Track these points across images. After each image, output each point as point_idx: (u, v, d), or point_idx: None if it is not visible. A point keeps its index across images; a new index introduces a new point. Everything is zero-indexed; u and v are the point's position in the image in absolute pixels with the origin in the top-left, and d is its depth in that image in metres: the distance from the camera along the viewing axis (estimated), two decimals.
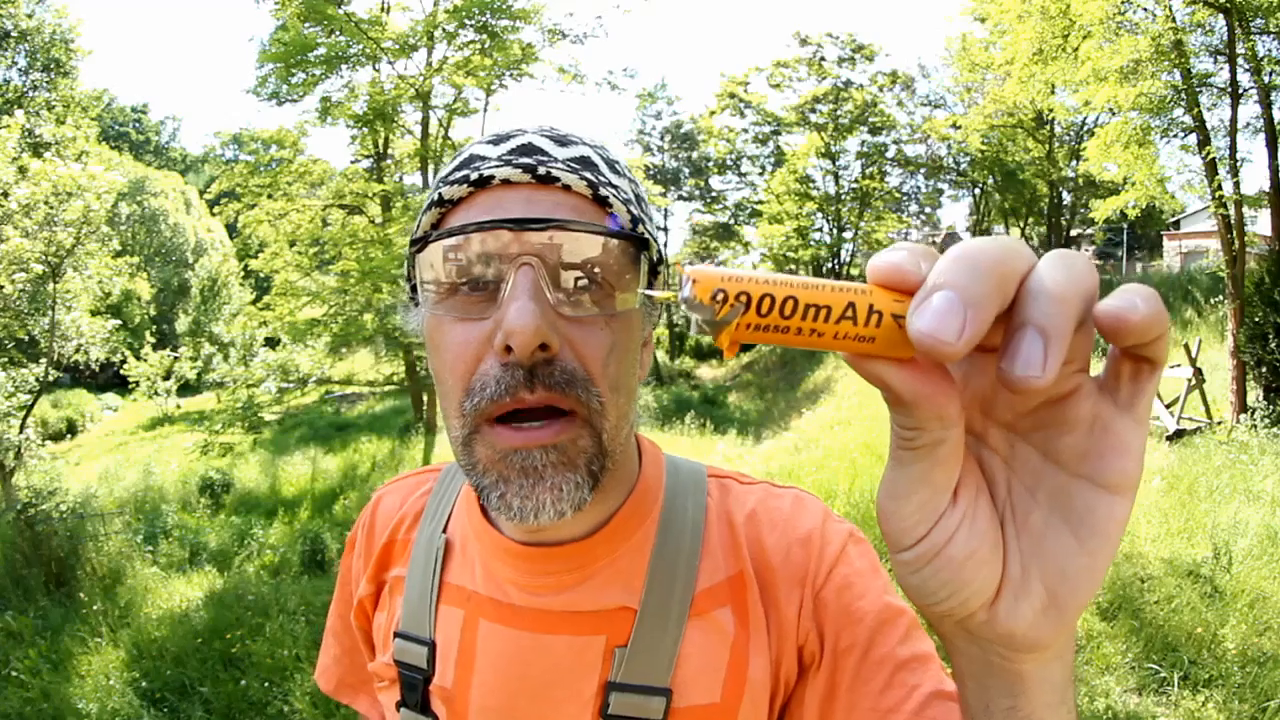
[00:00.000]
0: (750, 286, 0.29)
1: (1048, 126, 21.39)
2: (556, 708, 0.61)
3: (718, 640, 0.60)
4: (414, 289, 0.60)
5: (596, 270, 0.54)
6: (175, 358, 19.76)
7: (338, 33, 9.97)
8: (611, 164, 0.60)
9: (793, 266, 26.49)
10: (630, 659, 0.59)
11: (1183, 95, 8.32)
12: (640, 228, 0.57)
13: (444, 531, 0.69)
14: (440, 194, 0.56)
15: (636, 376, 0.60)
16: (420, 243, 0.56)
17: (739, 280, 0.29)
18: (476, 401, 0.53)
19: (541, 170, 0.55)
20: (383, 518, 0.76)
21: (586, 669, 0.60)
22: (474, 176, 0.55)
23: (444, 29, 9.78)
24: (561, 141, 0.58)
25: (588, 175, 0.56)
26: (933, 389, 0.30)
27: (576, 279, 0.54)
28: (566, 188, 0.55)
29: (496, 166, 0.55)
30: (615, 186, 0.58)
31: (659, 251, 0.60)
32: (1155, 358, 0.29)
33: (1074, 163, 21.29)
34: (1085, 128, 20.06)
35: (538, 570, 0.63)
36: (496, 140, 0.59)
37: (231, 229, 26.71)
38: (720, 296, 0.29)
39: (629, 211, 0.57)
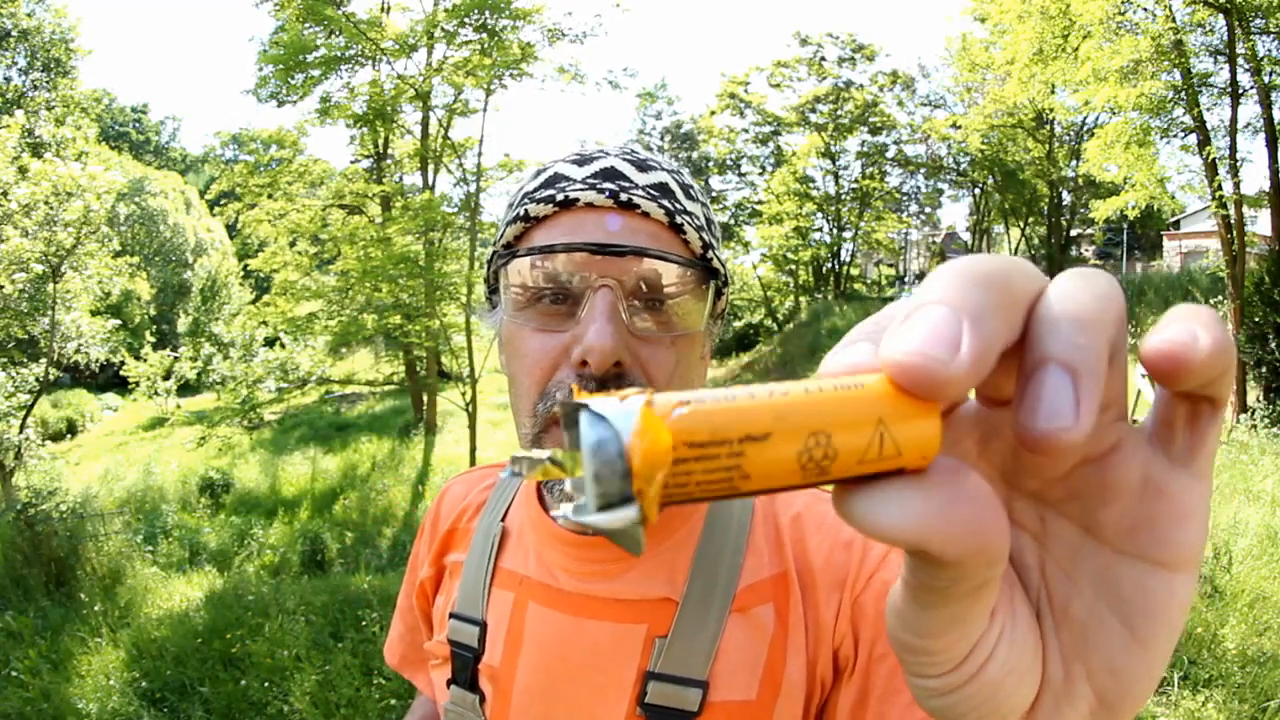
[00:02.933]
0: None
1: (1048, 126, 21.41)
2: (597, 692, 0.63)
3: (757, 637, 0.62)
4: (492, 292, 0.66)
5: (667, 294, 0.59)
6: (175, 358, 19.74)
7: (336, 34, 9.97)
8: (686, 189, 0.64)
9: (792, 266, 26.47)
10: (669, 649, 0.61)
11: (1183, 95, 8.33)
12: (709, 253, 0.62)
13: (502, 521, 0.74)
14: (526, 210, 0.60)
15: (696, 389, 0.65)
16: (506, 254, 0.61)
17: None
18: (549, 405, 0.58)
19: (623, 197, 0.59)
20: (448, 507, 0.82)
21: (626, 656, 0.62)
22: (560, 197, 0.59)
23: (443, 29, 9.77)
24: (641, 166, 0.62)
25: (665, 203, 0.60)
26: (980, 521, 0.21)
27: (648, 301, 0.59)
28: (645, 214, 0.59)
29: (581, 190, 0.59)
30: (689, 213, 0.62)
31: (725, 276, 0.65)
32: (1218, 397, 0.22)
33: (1074, 163, 21.30)
34: (1085, 128, 20.07)
35: (586, 557, 0.66)
36: (580, 161, 0.62)
37: (231, 229, 26.72)
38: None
39: (700, 238, 0.61)
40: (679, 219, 0.60)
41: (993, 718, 0.25)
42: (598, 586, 0.65)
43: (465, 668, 0.69)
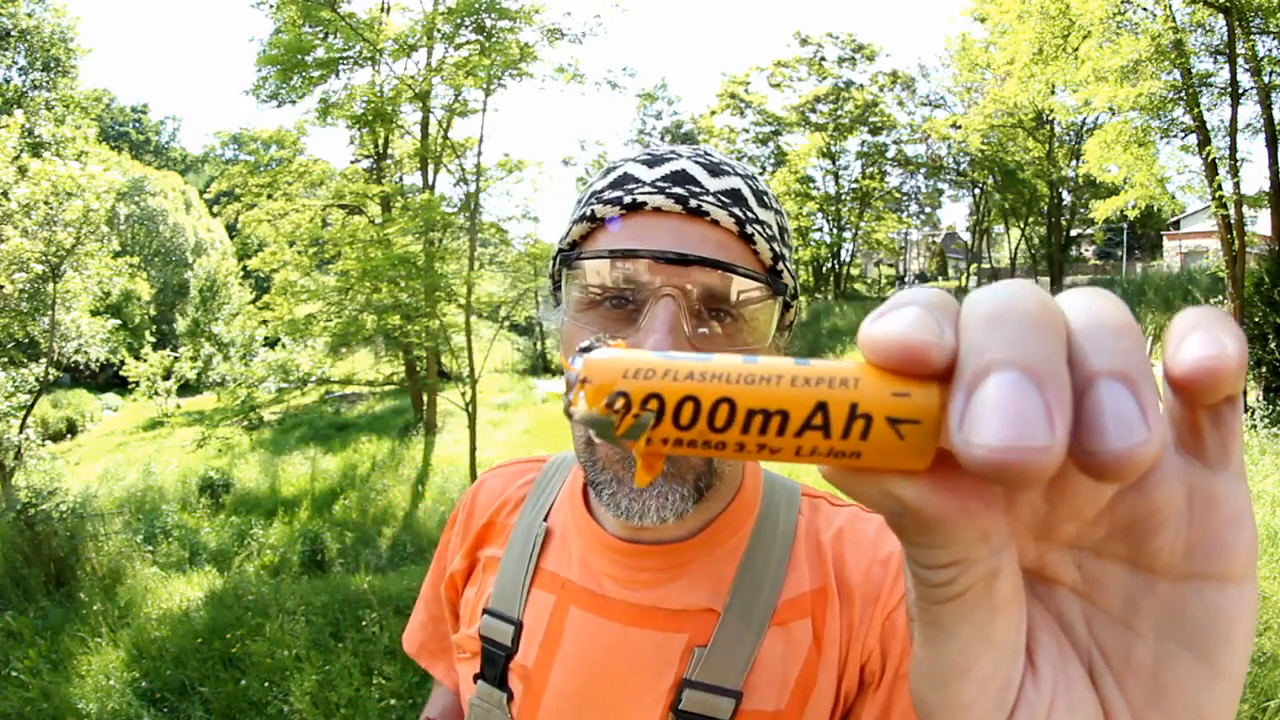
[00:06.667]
0: (664, 386, 0.21)
1: (1048, 126, 21.40)
2: (632, 697, 0.63)
3: (793, 651, 0.62)
4: (556, 287, 0.64)
5: (732, 306, 0.57)
6: (175, 358, 19.75)
7: (334, 35, 9.97)
8: (760, 196, 0.62)
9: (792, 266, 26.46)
10: (708, 659, 0.61)
11: (1183, 95, 8.32)
12: (780, 264, 0.60)
13: (545, 520, 0.73)
14: (594, 210, 0.59)
15: None
16: (571, 254, 0.59)
17: (649, 374, 0.21)
18: None
19: (693, 203, 0.57)
20: (484, 500, 0.80)
21: (665, 664, 0.63)
22: (627, 200, 0.58)
23: (441, 29, 9.77)
24: (714, 171, 0.60)
25: (736, 211, 0.58)
26: (968, 497, 0.20)
27: (712, 313, 0.57)
28: (715, 222, 0.57)
29: (650, 193, 0.57)
30: (761, 222, 0.60)
31: (794, 289, 0.63)
32: (1236, 393, 0.21)
33: (1074, 163, 21.30)
34: (1085, 128, 20.07)
35: (634, 566, 0.66)
36: (651, 162, 0.61)
37: (231, 229, 26.72)
38: (620, 404, 0.21)
39: (771, 249, 0.59)
40: (749, 228, 0.58)
41: None
42: (643, 595, 0.65)
43: (496, 665, 0.69)
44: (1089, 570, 0.24)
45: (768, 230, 0.60)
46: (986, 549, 0.21)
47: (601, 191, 0.60)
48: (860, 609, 0.63)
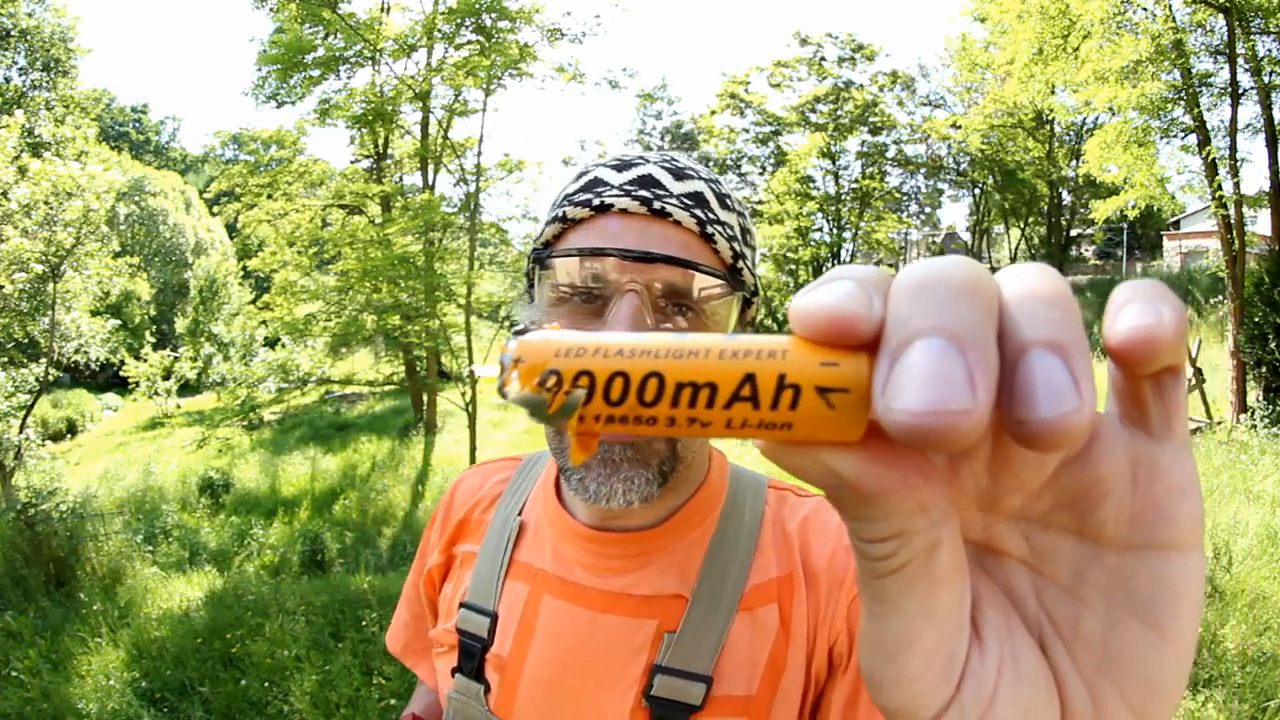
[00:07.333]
0: (595, 363, 0.21)
1: (1048, 126, 21.42)
2: (604, 683, 0.64)
3: (761, 636, 0.63)
4: (530, 286, 0.68)
5: (693, 302, 0.60)
6: (175, 358, 19.75)
7: (335, 35, 9.98)
8: (722, 199, 0.65)
9: (792, 266, 26.48)
10: (677, 644, 0.63)
11: (1183, 95, 8.33)
12: (740, 263, 0.63)
13: (519, 515, 0.76)
14: (564, 212, 0.63)
15: None
16: (542, 254, 0.63)
17: (580, 353, 0.21)
18: None
19: (656, 205, 0.60)
20: (461, 497, 0.83)
21: (636, 650, 0.64)
22: (595, 202, 0.61)
23: (441, 30, 9.78)
24: (678, 175, 0.63)
25: (698, 212, 0.61)
26: (905, 468, 0.20)
27: (674, 308, 0.60)
28: (677, 223, 0.61)
29: (617, 196, 0.61)
30: (722, 223, 0.63)
31: (754, 286, 0.66)
32: (1178, 364, 0.21)
33: (1074, 163, 21.32)
34: (1085, 128, 20.08)
35: (604, 553, 0.68)
36: (620, 166, 0.64)
37: (231, 229, 26.72)
38: (552, 382, 0.21)
39: (731, 248, 0.63)
40: (710, 229, 0.61)
41: None
42: (613, 582, 0.66)
43: (472, 657, 0.70)
44: (1036, 542, 0.24)
45: (728, 230, 0.63)
46: (925, 521, 0.21)
47: (573, 194, 0.63)
48: (826, 593, 0.64)
